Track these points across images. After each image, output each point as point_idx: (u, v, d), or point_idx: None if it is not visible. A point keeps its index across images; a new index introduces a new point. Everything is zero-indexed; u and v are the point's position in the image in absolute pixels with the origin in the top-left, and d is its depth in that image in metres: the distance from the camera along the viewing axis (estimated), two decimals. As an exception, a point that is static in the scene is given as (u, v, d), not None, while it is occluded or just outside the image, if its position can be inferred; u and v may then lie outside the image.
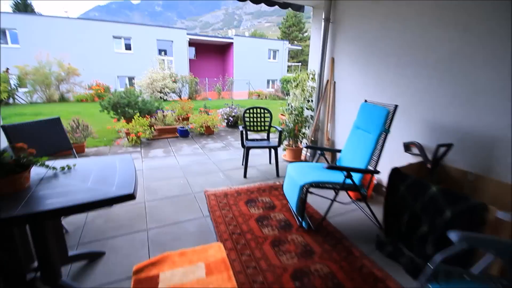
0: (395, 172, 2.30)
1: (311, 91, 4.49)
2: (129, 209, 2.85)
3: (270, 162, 4.50)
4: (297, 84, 4.56)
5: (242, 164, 4.27)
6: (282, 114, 6.91)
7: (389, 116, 2.37)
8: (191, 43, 23.84)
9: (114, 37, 20.02)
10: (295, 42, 47.74)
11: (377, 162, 2.45)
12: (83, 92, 13.03)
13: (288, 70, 28.24)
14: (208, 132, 6.50)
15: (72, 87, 13.64)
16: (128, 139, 5.46)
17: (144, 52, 19.71)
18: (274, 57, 26.67)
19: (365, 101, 2.83)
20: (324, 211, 2.56)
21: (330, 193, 2.60)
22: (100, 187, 1.55)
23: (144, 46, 19.96)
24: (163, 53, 19.91)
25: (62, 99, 13.06)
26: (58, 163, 1.91)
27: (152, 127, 6.10)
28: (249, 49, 24.70)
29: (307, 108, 4.56)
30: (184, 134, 6.22)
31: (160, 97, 14.31)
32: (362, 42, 3.48)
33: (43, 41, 17.01)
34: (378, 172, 2.38)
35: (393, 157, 2.86)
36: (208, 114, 7.37)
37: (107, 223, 2.59)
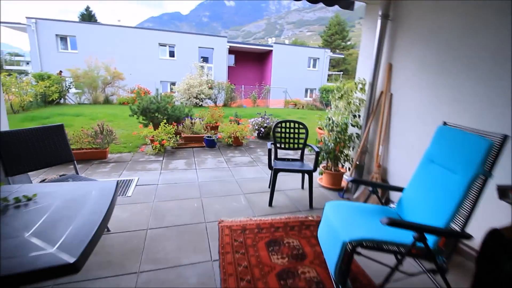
0: (495, 236, 1.45)
1: (359, 104, 3.69)
2: (126, 239, 2.37)
3: (302, 187, 3.78)
4: (342, 95, 3.79)
5: (269, 187, 3.62)
6: (319, 128, 6.13)
7: (491, 152, 1.53)
8: (231, 51, 24.14)
9: (160, 44, 21.12)
10: (337, 50, 46.05)
11: (467, 220, 1.61)
12: (125, 95, 13.66)
13: (328, 79, 27.04)
14: (236, 143, 5.99)
15: (116, 90, 14.44)
16: (152, 147, 5.18)
17: (186, 59, 20.38)
18: (314, 66, 25.75)
19: (444, 123, 2.00)
20: (375, 272, 1.78)
21: (388, 256, 1.81)
22: (35, 244, 1.03)
23: (187, 53, 20.64)
24: (201, 59, 20.31)
25: (107, 101, 13.85)
26: (25, 188, 1.46)
27: (179, 135, 5.78)
28: (288, 57, 24.20)
29: (352, 125, 3.76)
30: (211, 144, 5.78)
31: (196, 103, 14.41)
32: (435, 43, 2.63)
33: (97, 47, 18.57)
34: (469, 237, 1.54)
35: (482, 207, 1.96)
36: (238, 124, 6.89)
37: (96, 255, 2.13)
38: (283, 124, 3.65)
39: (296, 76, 24.41)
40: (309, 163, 3.51)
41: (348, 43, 51.50)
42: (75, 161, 2.58)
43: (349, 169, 3.80)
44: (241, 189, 3.66)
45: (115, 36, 19.63)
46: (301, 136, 3.67)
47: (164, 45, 21.34)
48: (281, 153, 5.29)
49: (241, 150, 5.74)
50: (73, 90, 13.27)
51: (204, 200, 3.24)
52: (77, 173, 2.58)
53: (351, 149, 3.77)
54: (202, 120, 6.30)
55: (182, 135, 5.97)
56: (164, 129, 5.42)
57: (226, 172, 4.32)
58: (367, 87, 3.49)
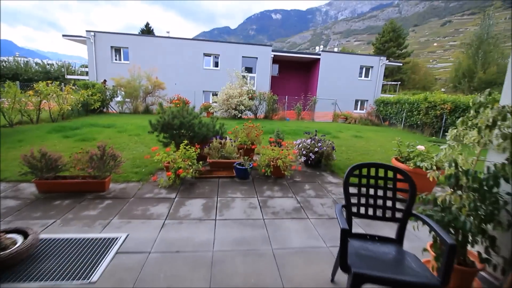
0: None
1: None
2: None
3: None
4: (488, 122, 2.01)
5: (332, 281, 2.01)
6: (397, 159, 4.26)
7: None
8: (275, 60, 23.00)
9: (205, 54, 21.00)
10: (391, 59, 41.93)
11: None
12: (165, 105, 13.28)
13: (382, 90, 24.07)
14: (276, 174, 4.45)
15: (156, 100, 14.20)
16: (166, 178, 3.93)
17: (230, 68, 19.87)
18: (367, 75, 23.13)
19: None
20: None
21: None
22: None
23: (230, 63, 20.06)
24: (243, 68, 19.40)
25: (147, 111, 13.64)
26: None
27: (204, 160, 4.48)
28: (337, 65, 22.11)
29: (504, 178, 1.94)
30: (243, 175, 4.35)
31: (234, 115, 13.33)
32: None
33: (146, 58, 19.11)
34: None
35: None
36: (279, 146, 5.36)
37: None
38: (364, 171, 2.02)
39: (345, 86, 22.13)
40: (416, 247, 1.80)
41: (404, 50, 46.79)
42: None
43: (494, 267, 1.95)
44: (280, 278, 2.09)
45: (164, 47, 20.06)
46: (398, 195, 1.99)
47: (209, 55, 21.19)
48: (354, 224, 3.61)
49: (283, 186, 4.18)
50: (118, 98, 13.30)
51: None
52: None
53: (501, 227, 1.93)
54: (233, 142, 4.91)
55: (208, 159, 4.67)
56: (184, 153, 4.16)
57: (258, 231, 2.80)
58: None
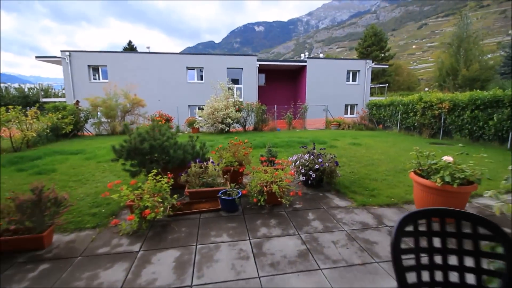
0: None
1: None
2: None
3: None
4: None
5: None
6: (417, 173, 3.50)
7: None
8: (261, 70, 22.54)
9: (188, 68, 20.30)
10: (374, 62, 42.48)
11: None
12: (145, 123, 12.33)
13: (370, 93, 23.86)
14: (272, 202, 3.60)
15: (136, 118, 13.24)
16: (129, 221, 3.01)
17: (214, 80, 19.21)
18: (354, 79, 22.92)
19: None
20: None
21: None
22: None
23: (215, 75, 19.38)
24: (228, 79, 18.74)
25: (127, 129, 12.60)
26: None
27: (182, 190, 3.59)
28: (324, 71, 21.83)
29: None
30: (230, 207, 3.48)
31: (221, 129, 12.49)
32: None
33: (126, 75, 18.22)
34: None
35: None
36: (272, 164, 4.54)
37: None
38: (420, 226, 1.19)
39: (333, 91, 21.81)
40: None
41: (387, 53, 47.65)
42: None
43: None
44: None
45: (144, 63, 19.28)
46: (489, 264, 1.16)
47: (192, 69, 20.52)
48: None
49: (281, 218, 3.32)
50: (92, 120, 12.29)
51: None
52: None
53: None
54: (216, 166, 4.04)
55: (186, 189, 3.78)
56: (155, 185, 3.27)
57: (253, 303, 1.92)
58: None
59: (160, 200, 3.08)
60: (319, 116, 18.32)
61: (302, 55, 28.07)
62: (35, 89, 26.11)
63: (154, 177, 3.35)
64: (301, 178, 4.36)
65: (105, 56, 19.17)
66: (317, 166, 4.17)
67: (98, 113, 11.63)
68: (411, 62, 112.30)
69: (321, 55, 31.11)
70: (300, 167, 4.34)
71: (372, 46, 46.39)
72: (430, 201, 3.21)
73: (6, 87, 26.49)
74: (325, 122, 16.59)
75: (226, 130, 12.80)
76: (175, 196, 3.31)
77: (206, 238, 2.86)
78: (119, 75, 18.34)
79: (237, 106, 13.30)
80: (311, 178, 4.21)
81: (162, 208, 3.04)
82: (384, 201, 3.80)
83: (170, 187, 3.39)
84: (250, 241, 2.78)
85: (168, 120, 13.21)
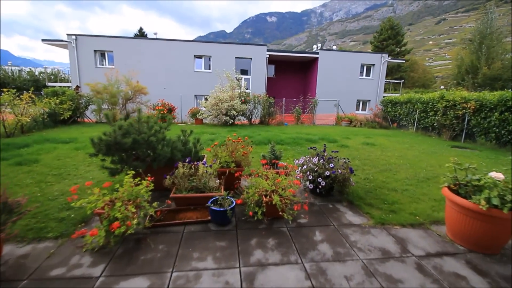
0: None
1: None
2: None
3: None
4: None
5: None
6: (451, 189, 2.84)
7: None
8: (271, 61, 21.66)
9: (196, 56, 19.64)
10: (390, 57, 40.77)
11: None
12: (147, 112, 11.85)
13: (384, 90, 22.74)
14: (271, 214, 3.01)
15: (137, 107, 12.75)
16: (93, 236, 2.46)
17: (220, 69, 18.53)
18: (368, 74, 21.83)
19: None
20: None
21: None
22: None
23: (223, 64, 18.64)
24: (234, 69, 17.97)
25: (127, 118, 12.16)
26: None
27: (169, 192, 3.04)
28: (337, 64, 20.82)
29: None
30: (221, 219, 2.91)
31: (225, 121, 11.88)
32: None
33: (133, 62, 17.71)
34: None
35: None
36: (275, 167, 3.93)
37: None
38: None
39: (345, 86, 20.85)
40: None
41: (403, 48, 45.64)
42: None
43: None
44: None
45: (152, 49, 18.72)
46: None
47: (200, 57, 19.84)
48: None
49: (281, 237, 2.73)
50: (92, 107, 11.86)
51: None
52: None
53: None
54: (209, 167, 3.45)
55: (172, 194, 3.22)
56: (132, 190, 2.71)
57: None
58: None
59: (133, 210, 2.53)
60: (330, 111, 17.47)
61: (315, 46, 26.97)
62: (45, 73, 26.14)
63: (132, 179, 2.79)
64: (308, 185, 3.74)
65: (111, 41, 18.67)
66: (327, 173, 3.54)
67: (99, 100, 11.15)
68: (427, 59, 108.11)
69: (334, 48, 29.84)
70: (308, 172, 3.72)
71: (388, 40, 44.44)
72: (471, 228, 2.55)
73: (19, 71, 26.74)
74: (336, 118, 15.76)
75: (230, 122, 12.19)
76: (155, 204, 2.75)
77: (186, 262, 2.30)
78: (125, 61, 17.86)
79: (243, 98, 12.63)
80: (320, 186, 3.59)
81: (135, 220, 2.48)
82: (407, 219, 3.16)
83: (150, 192, 2.83)
84: (240, 270, 2.20)
85: (171, 109, 12.67)
